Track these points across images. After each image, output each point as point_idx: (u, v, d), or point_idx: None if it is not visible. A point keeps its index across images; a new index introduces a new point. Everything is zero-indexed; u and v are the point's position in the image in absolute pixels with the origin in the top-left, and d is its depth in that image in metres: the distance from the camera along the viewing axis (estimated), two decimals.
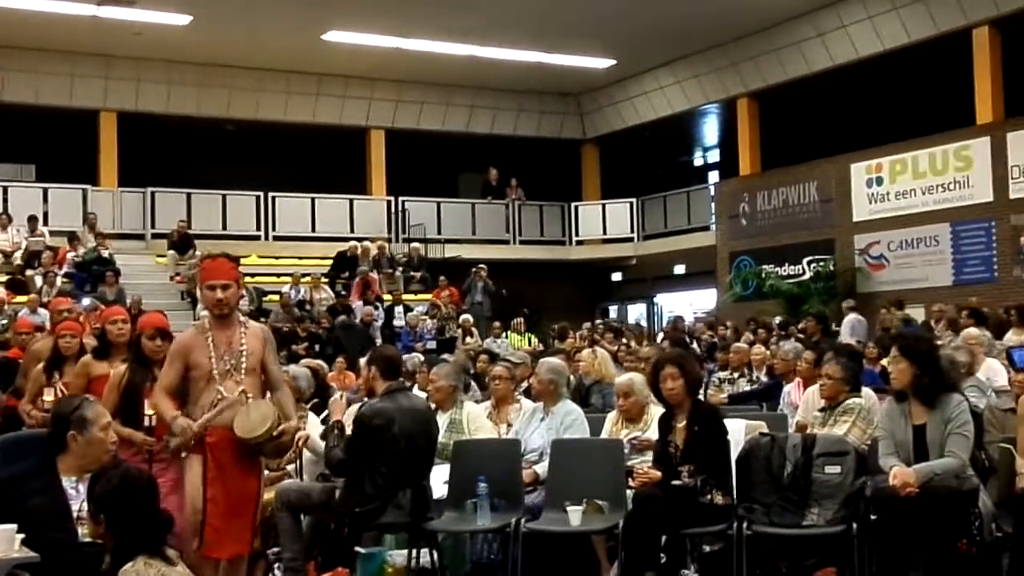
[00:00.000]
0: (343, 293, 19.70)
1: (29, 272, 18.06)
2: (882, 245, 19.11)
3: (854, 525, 5.73)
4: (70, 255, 18.66)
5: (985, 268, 17.54)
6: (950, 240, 18.05)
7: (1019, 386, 6.15)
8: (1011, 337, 12.53)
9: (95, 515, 3.97)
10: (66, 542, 4.36)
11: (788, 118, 21.88)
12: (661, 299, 25.83)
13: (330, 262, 20.97)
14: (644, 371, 7.88)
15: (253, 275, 19.34)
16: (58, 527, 4.38)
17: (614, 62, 22.16)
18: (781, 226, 21.10)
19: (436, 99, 23.72)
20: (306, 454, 7.17)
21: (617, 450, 6.60)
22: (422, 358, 11.97)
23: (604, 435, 7.00)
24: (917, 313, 16.81)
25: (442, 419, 7.18)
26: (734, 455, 6.15)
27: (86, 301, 15.92)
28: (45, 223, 19.73)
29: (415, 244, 22.31)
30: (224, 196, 22.25)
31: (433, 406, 7.36)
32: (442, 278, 20.56)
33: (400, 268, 21.51)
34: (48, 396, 7.12)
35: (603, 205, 25.47)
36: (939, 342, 9.09)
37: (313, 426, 7.51)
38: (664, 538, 5.98)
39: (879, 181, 19.28)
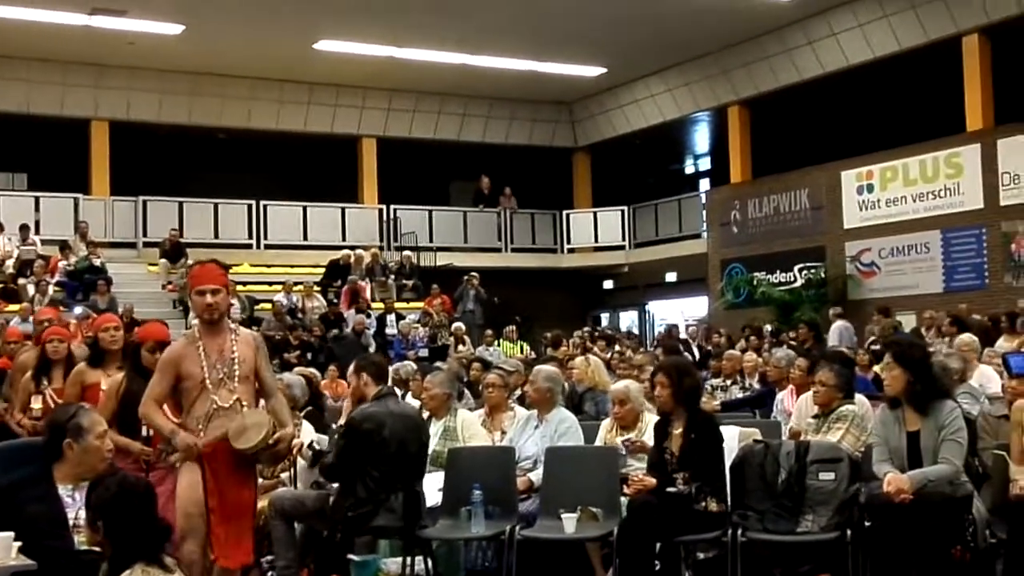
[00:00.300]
0: (335, 301, 19.69)
1: (21, 281, 18.02)
2: (873, 252, 19.15)
3: (848, 532, 5.74)
4: (62, 264, 18.63)
5: (976, 275, 17.58)
6: (941, 247, 18.09)
7: (1012, 392, 6.17)
8: (1002, 344, 12.59)
9: (93, 523, 3.96)
10: (63, 550, 4.36)
11: (779, 126, 21.93)
12: (653, 307, 25.85)
13: (322, 270, 20.98)
14: (637, 378, 7.92)
15: (245, 283, 19.35)
16: (55, 535, 4.38)
17: (605, 70, 22.20)
18: (772, 233, 21.15)
19: (428, 108, 23.73)
20: (300, 462, 7.17)
21: (611, 457, 6.62)
22: (415, 366, 11.98)
23: (599, 442, 7.02)
24: (908, 320, 16.87)
25: (436, 427, 7.19)
26: (728, 462, 6.16)
27: (78, 310, 15.90)
28: (37, 232, 19.69)
29: (407, 252, 22.32)
30: (216, 205, 22.25)
31: (427, 414, 7.40)
32: (434, 286, 20.55)
33: (392, 276, 21.51)
34: (36, 404, 7.08)
35: (595, 213, 25.50)
36: (931, 349, 9.11)
37: (307, 434, 7.52)
38: (659, 545, 5.99)
39: (870, 188, 19.33)
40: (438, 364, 12.50)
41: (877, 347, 12.25)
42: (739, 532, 5.86)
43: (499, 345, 17.99)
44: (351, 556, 6.49)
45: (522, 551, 6.14)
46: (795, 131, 22.22)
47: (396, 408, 6.37)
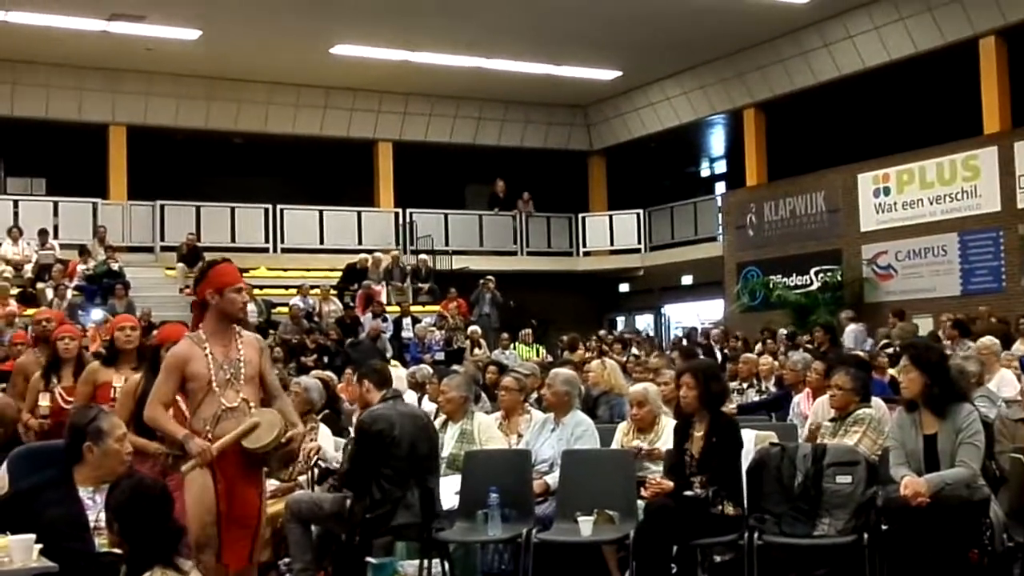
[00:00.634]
0: (352, 305, 19.75)
1: (40, 285, 18.15)
2: (890, 255, 19.09)
3: (865, 535, 5.73)
4: (80, 268, 18.73)
5: (993, 278, 17.51)
6: (958, 250, 18.03)
7: None
8: (1019, 347, 12.56)
9: (110, 524, 3.99)
10: (83, 552, 4.39)
11: (795, 128, 21.89)
12: (668, 310, 25.85)
13: (338, 274, 21.04)
14: (654, 381, 7.92)
15: (262, 287, 19.41)
16: (75, 537, 4.41)
17: (620, 73, 22.20)
18: (788, 236, 21.10)
19: (443, 111, 23.78)
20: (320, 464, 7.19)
21: (627, 460, 6.62)
22: (431, 370, 12.03)
23: (615, 445, 7.02)
24: (925, 323, 16.81)
25: (453, 429, 7.22)
26: (744, 466, 6.16)
27: (97, 314, 15.98)
28: (55, 236, 19.82)
29: (423, 256, 22.36)
30: (233, 209, 22.34)
31: (444, 417, 7.43)
32: (450, 290, 20.60)
33: (408, 279, 21.56)
34: (44, 401, 7.03)
35: (610, 216, 25.50)
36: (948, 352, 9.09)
37: (325, 437, 7.55)
38: (675, 548, 5.99)
39: (886, 191, 19.27)
40: (454, 367, 12.55)
41: (889, 350, 12.24)
42: (756, 535, 5.86)
43: (515, 348, 18.00)
44: (368, 559, 6.50)
45: (538, 554, 6.15)
46: (811, 134, 22.17)
47: (404, 409, 6.42)
